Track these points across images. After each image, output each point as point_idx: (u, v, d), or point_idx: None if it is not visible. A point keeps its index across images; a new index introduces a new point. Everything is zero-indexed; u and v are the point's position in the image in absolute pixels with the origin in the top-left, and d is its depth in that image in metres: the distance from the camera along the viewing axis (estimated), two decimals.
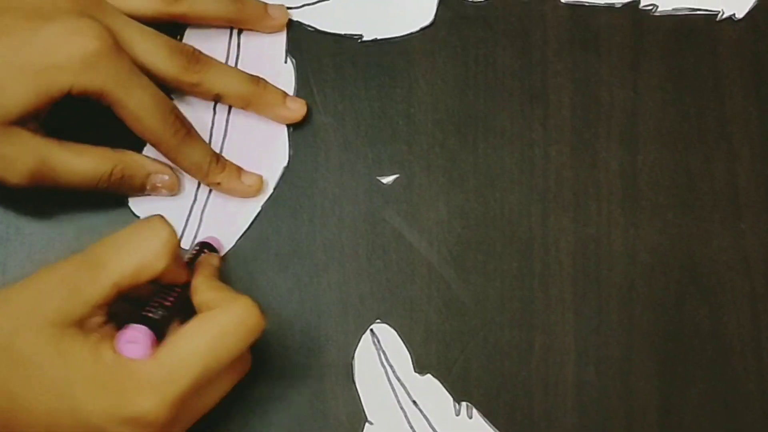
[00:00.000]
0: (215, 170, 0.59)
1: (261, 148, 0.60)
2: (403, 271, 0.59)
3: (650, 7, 0.63)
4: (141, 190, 0.58)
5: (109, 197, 0.58)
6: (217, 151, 0.60)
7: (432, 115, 0.62)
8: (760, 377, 0.58)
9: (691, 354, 0.58)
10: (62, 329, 0.48)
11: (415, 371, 0.57)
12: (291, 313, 0.58)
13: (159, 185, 0.58)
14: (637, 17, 0.63)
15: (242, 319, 0.50)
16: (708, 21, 0.63)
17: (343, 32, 0.62)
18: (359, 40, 0.62)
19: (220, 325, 0.49)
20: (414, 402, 0.57)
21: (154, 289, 0.53)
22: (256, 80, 0.60)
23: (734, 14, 0.63)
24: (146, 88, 0.55)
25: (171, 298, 0.52)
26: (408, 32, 0.63)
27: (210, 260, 0.56)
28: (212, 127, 0.60)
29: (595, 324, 0.59)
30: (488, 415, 0.57)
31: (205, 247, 0.57)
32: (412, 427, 0.57)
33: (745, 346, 0.58)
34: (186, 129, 0.58)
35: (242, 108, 0.60)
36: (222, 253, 0.58)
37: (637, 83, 0.62)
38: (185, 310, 0.52)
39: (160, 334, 0.50)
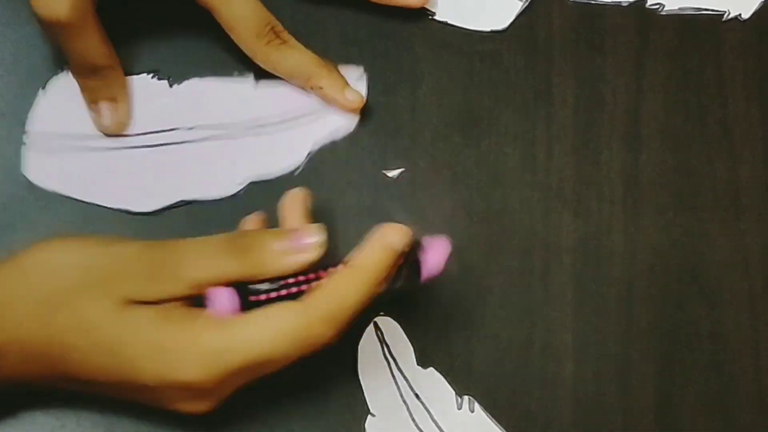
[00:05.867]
0: (319, 74, 0.59)
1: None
2: None
3: (656, 7, 0.64)
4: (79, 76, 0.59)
5: None
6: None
7: (437, 111, 0.62)
8: (758, 377, 0.58)
9: (689, 353, 0.59)
10: (133, 305, 0.50)
11: (418, 364, 0.58)
12: None
13: (103, 110, 0.59)
14: (643, 17, 0.63)
15: (307, 332, 0.49)
16: (714, 21, 0.64)
17: None
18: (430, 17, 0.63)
19: (281, 328, 0.49)
20: (416, 395, 0.57)
21: None
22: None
23: (740, 14, 0.63)
24: (245, 2, 0.57)
25: (286, 284, 0.51)
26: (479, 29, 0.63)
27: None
28: None
29: (595, 322, 0.59)
30: (489, 410, 0.57)
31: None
32: (414, 420, 0.57)
33: (744, 347, 0.59)
34: (281, 40, 0.59)
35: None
36: None
37: (640, 83, 0.63)
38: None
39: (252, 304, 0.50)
